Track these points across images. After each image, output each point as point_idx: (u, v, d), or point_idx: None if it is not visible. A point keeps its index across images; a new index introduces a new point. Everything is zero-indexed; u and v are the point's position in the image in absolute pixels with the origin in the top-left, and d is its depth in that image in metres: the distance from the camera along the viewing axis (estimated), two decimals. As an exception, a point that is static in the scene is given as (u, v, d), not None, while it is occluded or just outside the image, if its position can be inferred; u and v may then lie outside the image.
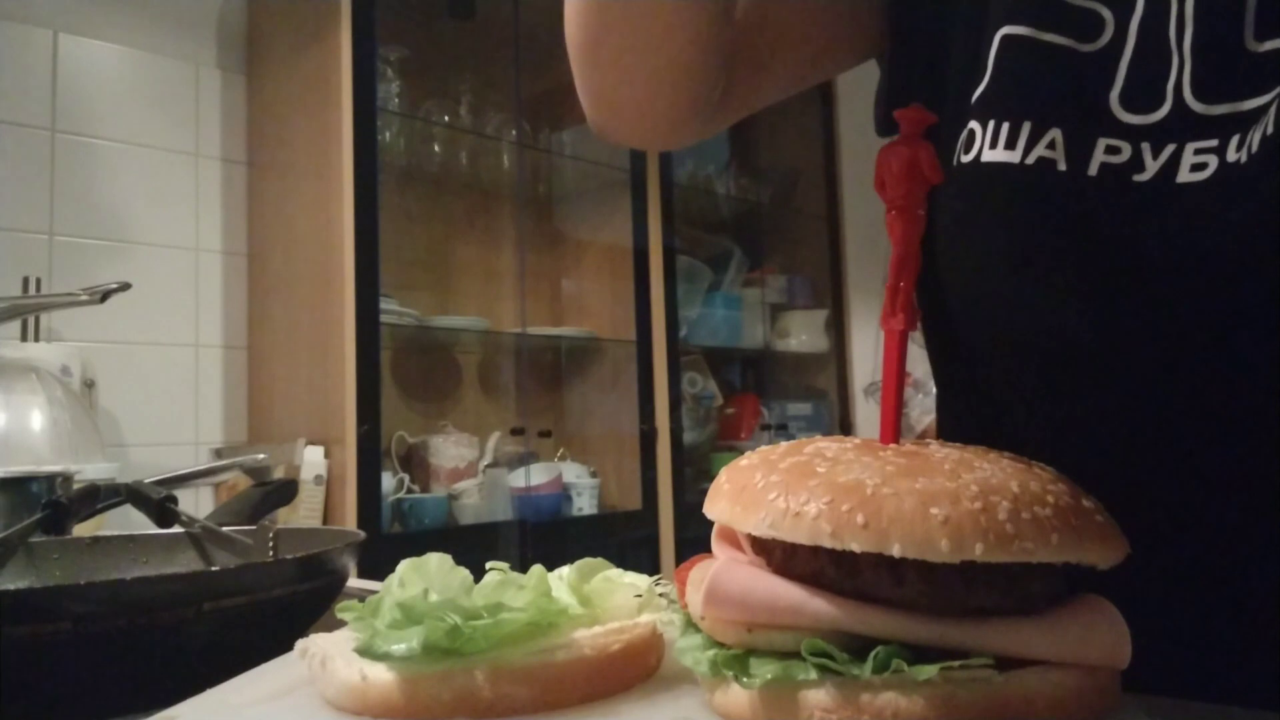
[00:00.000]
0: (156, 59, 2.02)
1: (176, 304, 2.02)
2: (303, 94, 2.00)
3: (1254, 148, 0.41)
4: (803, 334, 2.97)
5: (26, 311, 1.60)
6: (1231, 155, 0.42)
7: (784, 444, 0.38)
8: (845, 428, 2.95)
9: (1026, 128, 0.46)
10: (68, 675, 0.43)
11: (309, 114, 1.97)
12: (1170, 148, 0.43)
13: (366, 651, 0.37)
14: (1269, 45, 0.41)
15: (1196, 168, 0.42)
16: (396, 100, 2.17)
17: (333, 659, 0.37)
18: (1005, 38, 0.47)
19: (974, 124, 0.48)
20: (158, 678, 0.43)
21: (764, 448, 0.38)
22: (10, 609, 0.41)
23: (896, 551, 0.30)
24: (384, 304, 1.96)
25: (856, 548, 0.31)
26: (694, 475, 2.55)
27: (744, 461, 0.37)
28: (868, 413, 2.96)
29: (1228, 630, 0.46)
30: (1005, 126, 0.47)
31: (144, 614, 0.43)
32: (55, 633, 0.41)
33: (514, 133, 2.40)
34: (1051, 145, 0.45)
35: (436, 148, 2.33)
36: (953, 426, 0.59)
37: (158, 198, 2.01)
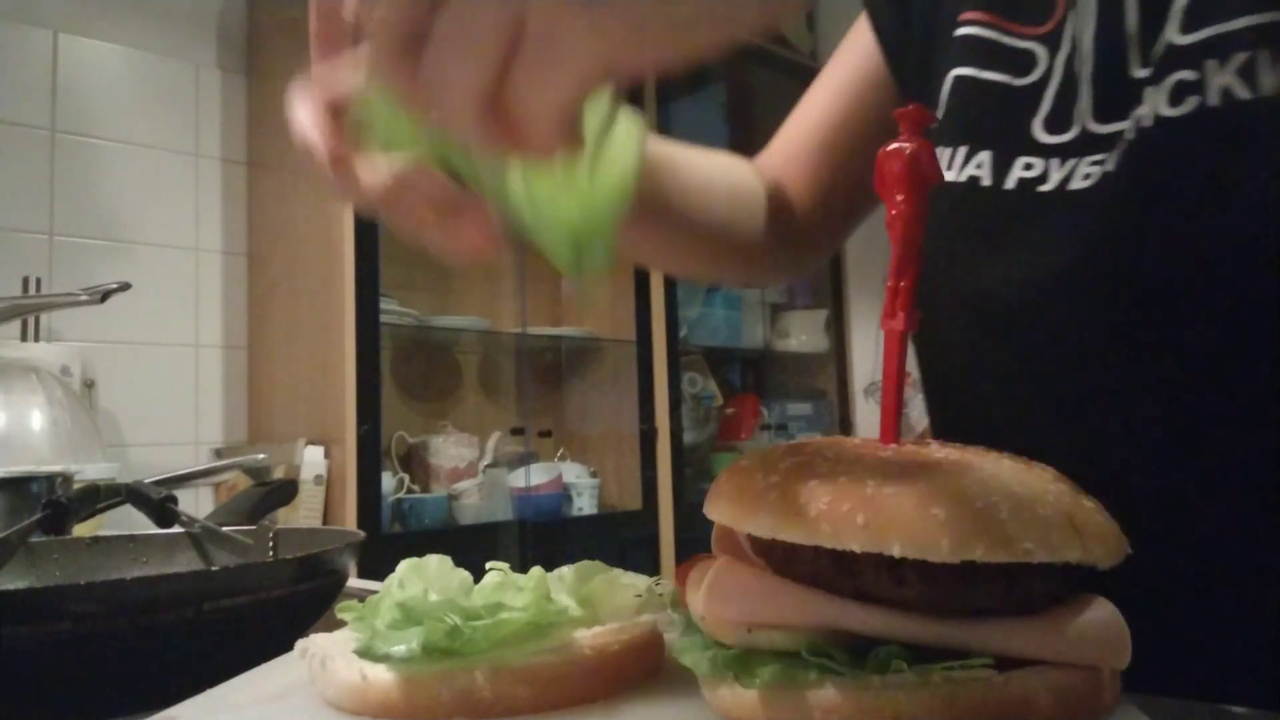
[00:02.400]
0: (156, 59, 2.02)
1: (176, 304, 2.02)
2: (303, 94, 1.99)
3: (1113, 164, 0.50)
4: (803, 334, 2.97)
5: (26, 311, 1.60)
6: (1110, 166, 0.50)
7: (784, 444, 0.38)
8: (845, 428, 2.95)
9: (963, 151, 0.55)
10: (68, 675, 0.43)
11: (309, 114, 1.97)
12: (1071, 162, 0.52)
13: (366, 653, 0.37)
14: (1141, 73, 0.49)
15: (1085, 177, 0.51)
16: (396, 100, 2.16)
17: (333, 659, 0.38)
18: (956, 79, 0.57)
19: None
20: (158, 678, 0.43)
21: (764, 448, 0.38)
22: (10, 609, 0.41)
23: (897, 551, 0.30)
24: (384, 304, 1.96)
25: (856, 548, 0.31)
26: (694, 475, 2.55)
27: (744, 462, 0.37)
28: (868, 413, 2.96)
29: (1228, 630, 0.46)
30: (948, 152, 0.56)
31: (144, 614, 0.43)
32: (55, 633, 0.41)
33: (514, 133, 2.39)
34: (979, 165, 0.55)
35: (436, 148, 2.32)
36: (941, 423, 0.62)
37: (158, 198, 2.01)
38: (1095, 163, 0.50)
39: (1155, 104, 0.48)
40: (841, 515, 0.31)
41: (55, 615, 0.42)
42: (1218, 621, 0.46)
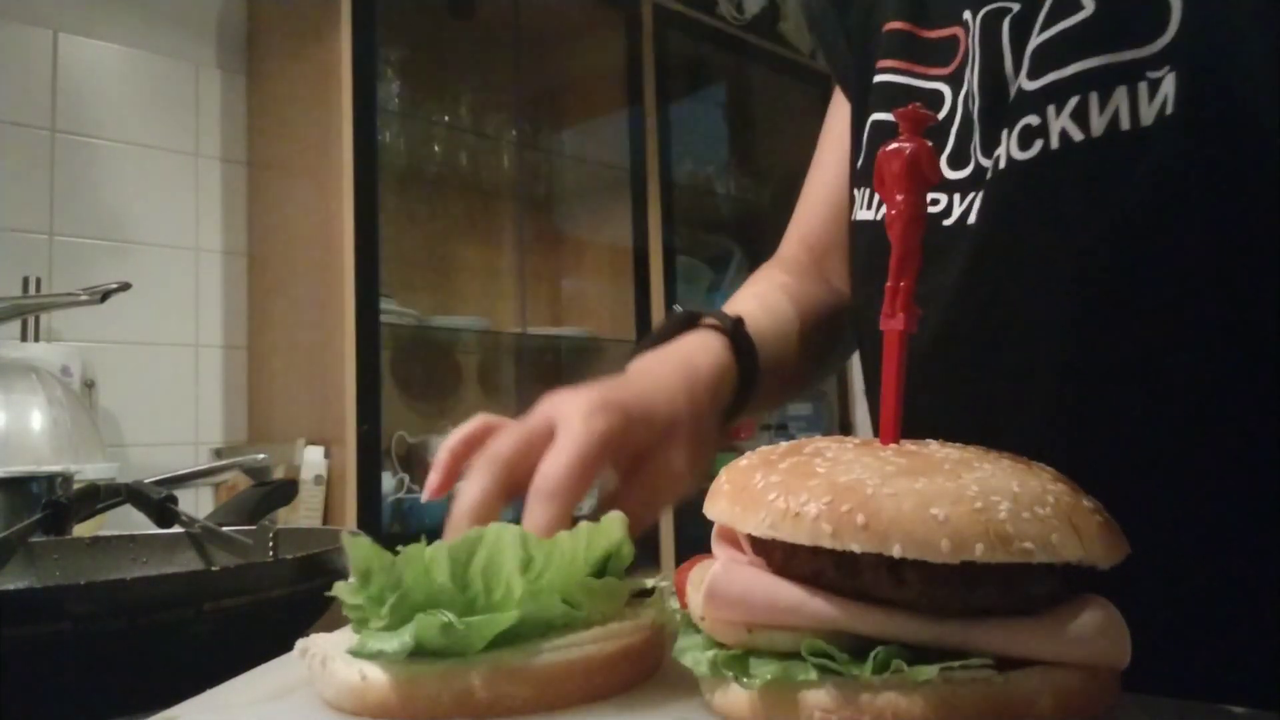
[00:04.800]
0: (156, 59, 2.02)
1: (176, 304, 2.02)
2: (303, 94, 2.00)
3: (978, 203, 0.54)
4: (803, 334, 2.96)
5: (26, 311, 1.60)
6: (978, 204, 0.53)
7: (784, 444, 0.38)
8: (845, 428, 2.95)
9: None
10: (68, 675, 0.43)
11: (309, 114, 1.97)
12: (970, 196, 0.54)
13: (360, 650, 0.37)
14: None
15: (977, 212, 0.53)
16: (396, 100, 2.16)
17: (333, 659, 0.37)
18: (873, 123, 0.61)
19: (854, 190, 0.64)
20: (158, 678, 0.43)
21: (764, 448, 0.38)
22: (10, 609, 0.41)
23: (897, 552, 0.30)
24: (384, 304, 1.95)
25: (856, 548, 0.31)
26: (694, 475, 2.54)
27: (744, 461, 0.37)
28: (868, 413, 2.95)
29: (1228, 630, 0.46)
30: (866, 192, 0.61)
31: (144, 614, 0.43)
32: (55, 633, 0.41)
33: (514, 133, 2.39)
34: None
35: (436, 148, 2.32)
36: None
37: (158, 198, 2.01)
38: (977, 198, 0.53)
39: (1008, 147, 0.51)
40: (841, 515, 0.31)
41: (55, 615, 0.42)
42: (1218, 621, 0.46)
